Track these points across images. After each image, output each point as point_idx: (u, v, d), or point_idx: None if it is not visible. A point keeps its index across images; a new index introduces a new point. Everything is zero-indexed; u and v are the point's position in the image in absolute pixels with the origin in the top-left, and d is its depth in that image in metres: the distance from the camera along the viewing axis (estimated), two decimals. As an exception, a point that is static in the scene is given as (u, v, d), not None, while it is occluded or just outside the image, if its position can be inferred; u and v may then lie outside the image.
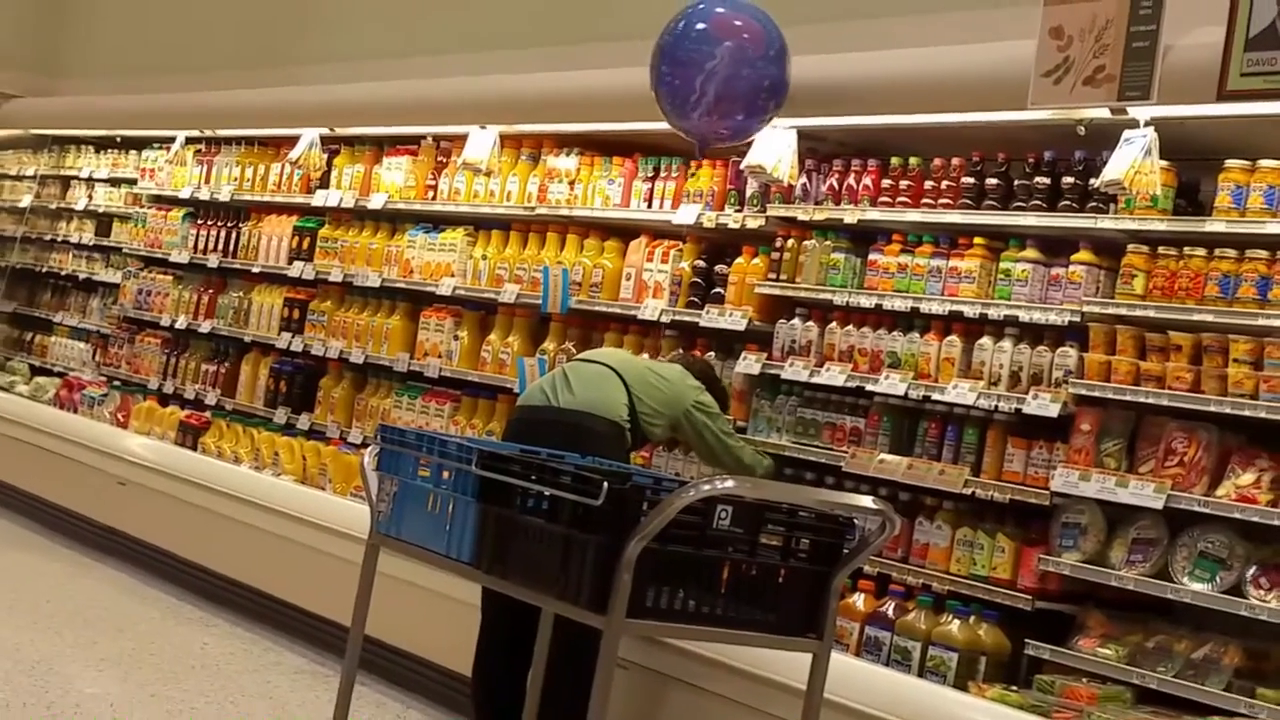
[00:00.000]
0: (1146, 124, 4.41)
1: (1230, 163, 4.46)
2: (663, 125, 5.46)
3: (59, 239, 10.43)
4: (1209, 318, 4.40)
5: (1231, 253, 4.41)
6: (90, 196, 10.21)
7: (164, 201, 9.26)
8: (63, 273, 10.36)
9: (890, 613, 4.83)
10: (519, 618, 4.78)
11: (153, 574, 7.62)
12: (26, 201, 10.80)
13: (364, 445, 6.77)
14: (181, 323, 8.65)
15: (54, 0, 11.39)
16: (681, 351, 5.71)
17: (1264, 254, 4.35)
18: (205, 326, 8.46)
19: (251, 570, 7.02)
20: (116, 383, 9.07)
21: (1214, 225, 4.44)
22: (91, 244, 10.06)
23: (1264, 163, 4.39)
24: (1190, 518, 4.41)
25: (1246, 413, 4.31)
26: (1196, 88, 4.20)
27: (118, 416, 8.75)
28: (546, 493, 3.76)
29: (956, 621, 4.68)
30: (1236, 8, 4.08)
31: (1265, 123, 4.26)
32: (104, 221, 10.02)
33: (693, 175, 5.96)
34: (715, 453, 5.20)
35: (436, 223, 7.18)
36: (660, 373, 5.22)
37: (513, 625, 4.91)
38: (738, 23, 5.00)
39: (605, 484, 3.53)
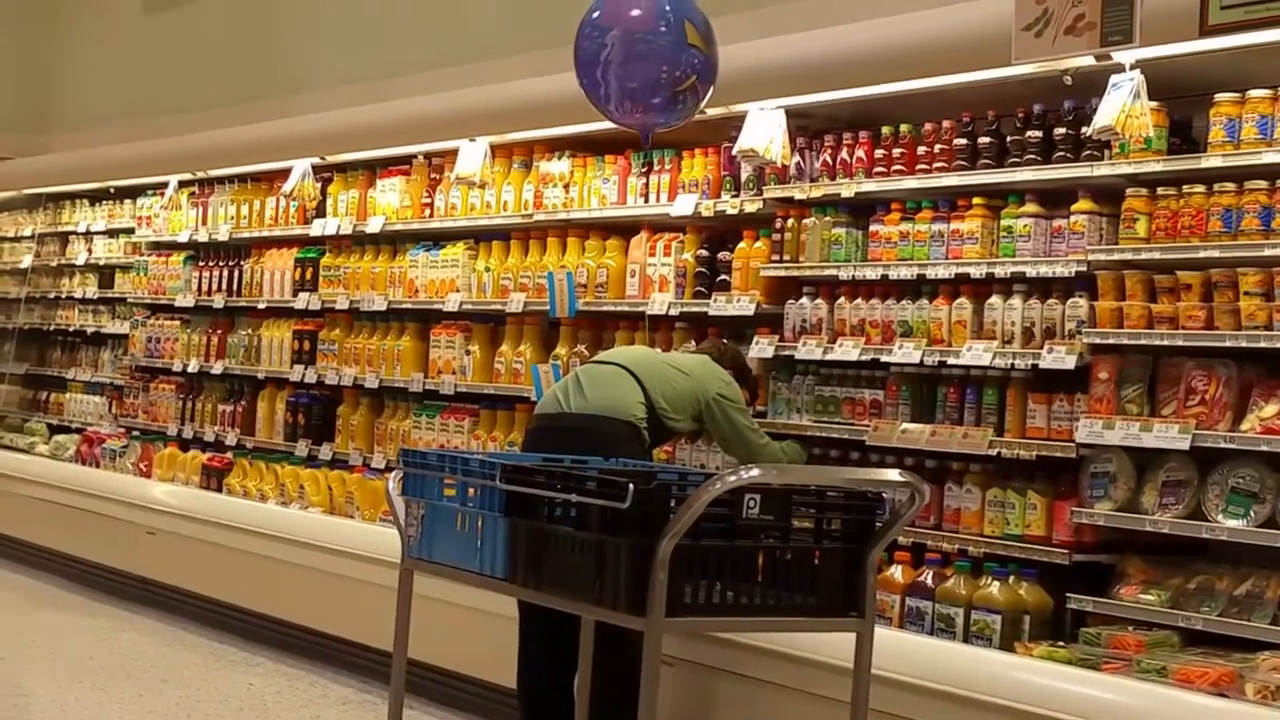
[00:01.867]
0: (1132, 67, 4.39)
1: (1220, 96, 4.44)
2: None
3: (63, 295, 10.46)
4: (1215, 253, 4.39)
5: (1231, 186, 4.39)
6: (90, 250, 10.24)
7: (163, 247, 9.27)
8: (70, 329, 10.38)
9: (929, 581, 4.83)
10: (557, 625, 4.79)
11: (191, 620, 7.65)
12: (27, 262, 10.83)
13: (387, 470, 6.78)
14: (193, 366, 8.66)
15: (38, 59, 11.43)
16: (711, 340, 5.66)
17: (1263, 184, 4.33)
18: (217, 367, 8.47)
19: (288, 606, 7.04)
20: (135, 433, 9.10)
21: (1210, 160, 4.42)
22: (96, 297, 10.08)
23: (1254, 93, 4.37)
24: (1218, 455, 4.39)
25: (1263, 344, 4.29)
26: (1178, 26, 4.18)
27: (140, 466, 8.77)
28: (573, 500, 3.76)
29: (996, 583, 4.67)
30: (1211, -59, 4.06)
31: (1251, 53, 4.25)
32: (106, 273, 10.05)
33: (682, 166, 5.94)
34: (734, 448, 5.19)
35: (436, 240, 7.18)
36: (680, 366, 5.20)
37: (552, 632, 4.91)
38: (627, 5, 4.67)
39: (631, 486, 3.53)
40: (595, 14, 4.66)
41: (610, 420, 4.95)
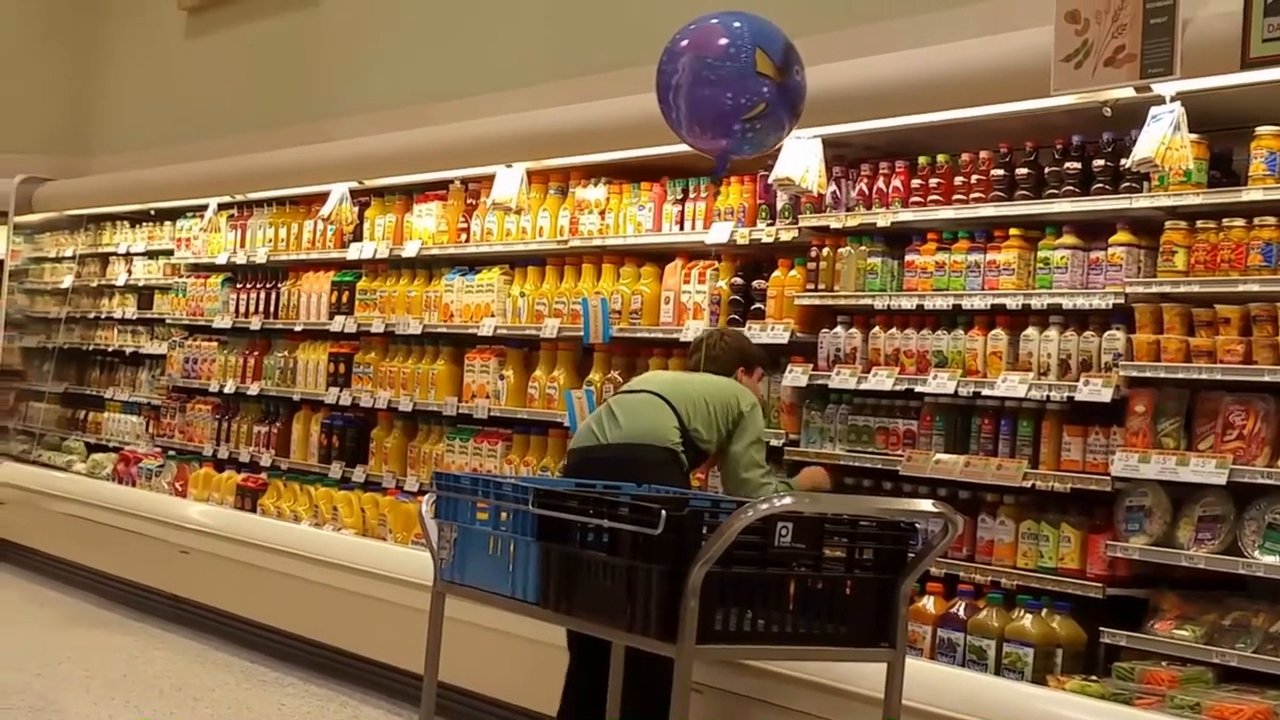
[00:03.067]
0: (1172, 99, 4.38)
1: (1261, 130, 4.42)
2: (686, 147, 5.47)
3: (102, 316, 10.54)
4: (1255, 287, 4.36)
5: (1271, 220, 4.37)
6: (129, 271, 10.32)
7: (202, 269, 9.35)
8: (109, 349, 10.46)
9: (961, 613, 4.80)
10: (600, 652, 4.77)
11: (223, 639, 7.67)
12: (68, 282, 10.93)
13: (420, 493, 6.79)
14: (230, 387, 8.71)
15: (79, 81, 11.55)
16: (706, 328, 5.59)
17: (1304, 218, 4.31)
18: (254, 389, 8.52)
19: (321, 627, 7.05)
20: (171, 452, 9.15)
21: (1251, 194, 4.40)
22: (135, 318, 10.16)
23: (1295, 127, 4.35)
24: (1255, 490, 4.36)
25: (1302, 380, 4.26)
26: (1219, 58, 4.17)
27: (175, 486, 8.82)
28: (605, 526, 3.76)
29: (1029, 616, 4.64)
30: (1252, -25, 4.05)
31: (1293, 86, 4.23)
32: (145, 294, 10.13)
33: (718, 194, 5.95)
34: (735, 475, 5.05)
35: (472, 265, 7.21)
36: (709, 386, 5.14)
37: (596, 661, 4.90)
38: (701, 30, 4.67)
39: (663, 512, 3.53)
40: (677, 39, 4.68)
41: (648, 448, 4.94)
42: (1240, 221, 4.43)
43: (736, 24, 4.60)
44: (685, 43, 4.62)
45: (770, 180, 5.47)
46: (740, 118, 4.58)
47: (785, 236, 5.65)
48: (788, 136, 4.86)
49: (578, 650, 5.01)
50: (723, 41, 4.58)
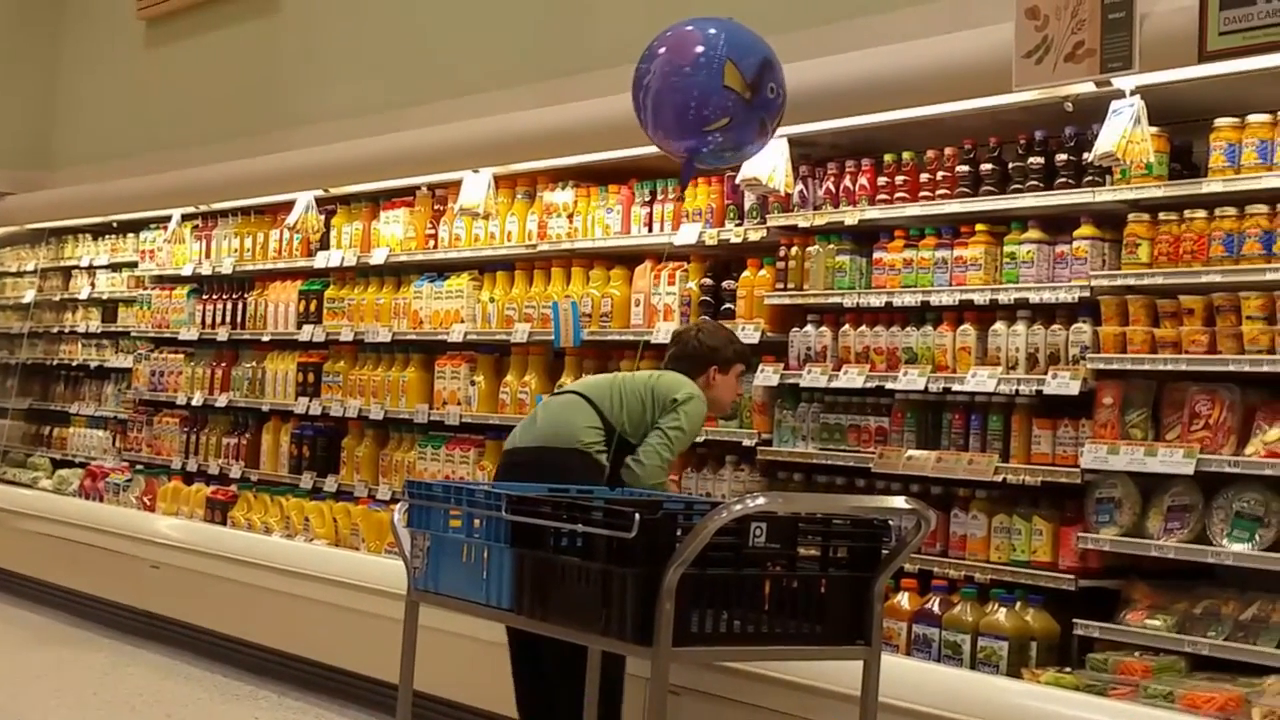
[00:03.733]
0: (1132, 93, 4.41)
1: (1220, 121, 4.46)
2: (655, 149, 5.47)
3: (66, 330, 10.47)
4: (1217, 278, 4.40)
5: (1231, 211, 4.40)
6: (93, 284, 10.26)
7: (167, 281, 9.30)
8: (74, 363, 10.40)
9: (936, 608, 4.82)
10: (530, 642, 4.81)
11: (195, 654, 7.63)
12: (30, 296, 10.86)
13: (393, 501, 6.78)
14: (197, 399, 8.67)
15: (39, 93, 11.47)
16: (689, 321, 5.55)
17: (1264, 208, 4.34)
18: (222, 400, 8.48)
19: (293, 639, 7.02)
20: (139, 466, 9.10)
21: (1211, 185, 4.43)
22: (99, 331, 10.10)
23: (1253, 118, 4.39)
24: (1222, 479, 4.40)
25: (1266, 368, 4.30)
26: (1177, 52, 4.20)
27: (144, 500, 8.77)
28: (579, 530, 3.76)
29: (1003, 610, 4.67)
30: (1209, -32, 4.08)
31: (1249, 78, 4.27)
32: (109, 308, 10.07)
33: (680, 197, 5.96)
34: (641, 453, 4.98)
35: (440, 271, 7.20)
36: (650, 384, 5.06)
37: (529, 650, 4.94)
38: (679, 34, 4.64)
39: (637, 515, 3.53)
40: (657, 41, 4.66)
41: (554, 450, 4.94)
42: (1202, 213, 4.47)
43: (713, 32, 4.58)
44: (662, 46, 4.62)
45: (738, 181, 5.48)
46: (702, 128, 4.56)
47: (754, 236, 5.66)
48: (755, 152, 4.82)
49: (515, 644, 5.04)
50: (696, 49, 4.56)
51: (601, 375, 5.51)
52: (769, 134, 4.68)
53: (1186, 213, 4.50)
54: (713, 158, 4.66)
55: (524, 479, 4.61)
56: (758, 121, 4.56)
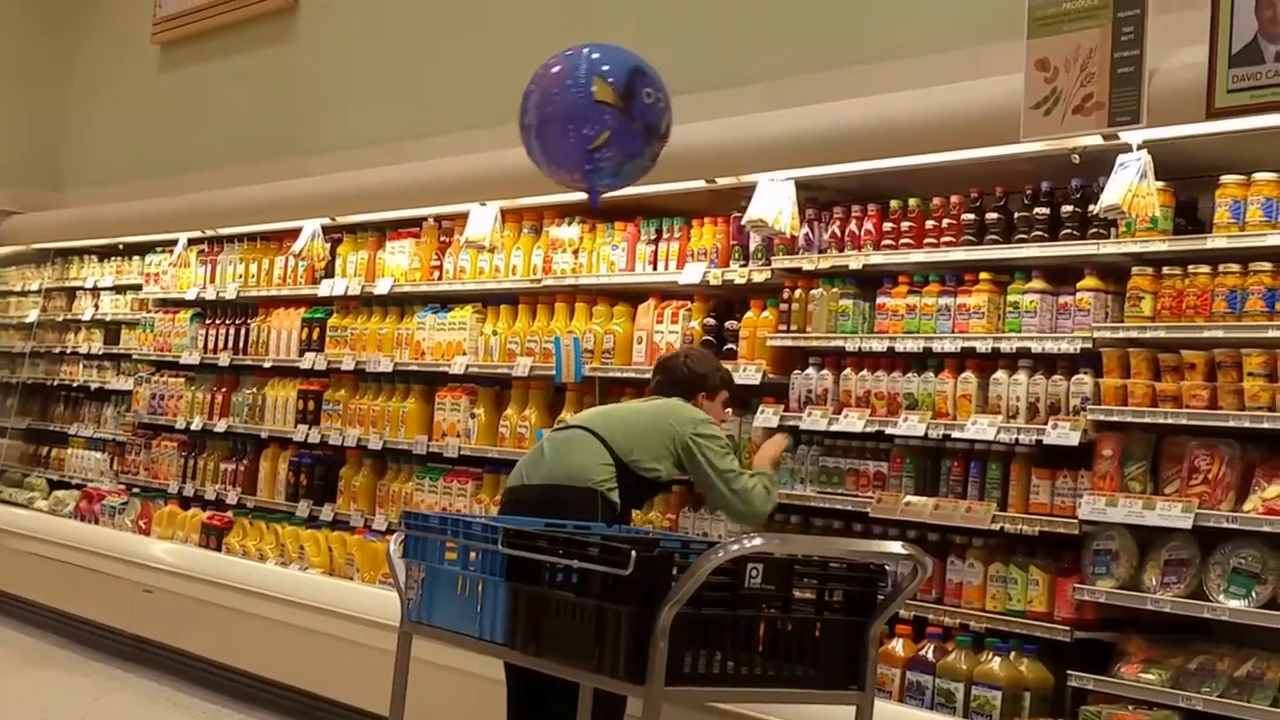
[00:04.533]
0: (1139, 147, 4.43)
1: (1226, 178, 4.47)
2: (662, 187, 5.50)
3: (68, 351, 10.47)
4: (1219, 333, 4.40)
5: (1235, 267, 4.42)
6: (96, 306, 10.27)
7: (170, 304, 9.31)
8: (74, 384, 10.39)
9: (930, 655, 4.81)
10: (532, 679, 4.78)
11: (186, 680, 7.59)
12: (33, 316, 10.86)
13: (389, 532, 6.76)
14: (197, 424, 8.66)
15: (50, 114, 11.52)
16: (670, 357, 5.47)
17: (1268, 266, 4.35)
18: (221, 426, 8.48)
19: (285, 668, 6.99)
20: (136, 490, 9.09)
21: (1215, 241, 4.45)
22: (101, 353, 10.10)
23: (1259, 176, 4.41)
24: (1220, 535, 4.39)
25: (1266, 425, 4.30)
26: (1185, 108, 4.23)
27: (139, 524, 8.75)
28: (575, 566, 3.75)
29: (997, 659, 4.65)
30: (1218, 26, 4.11)
31: (1256, 136, 4.28)
32: (112, 330, 10.07)
33: (679, 235, 5.98)
34: (711, 491, 5.05)
35: (444, 303, 7.21)
36: (648, 412, 5.11)
37: (530, 687, 4.92)
38: (545, 67, 4.59)
39: (633, 552, 3.52)
40: (530, 81, 4.60)
41: (568, 489, 4.91)
42: (1206, 268, 4.48)
43: (576, 54, 4.54)
44: (534, 84, 4.57)
45: (743, 222, 5.50)
46: (586, 148, 4.52)
47: (758, 277, 5.67)
48: (650, 162, 4.71)
49: (513, 681, 5.01)
50: (561, 75, 4.51)
51: (603, 408, 5.50)
52: (660, 139, 4.58)
53: (1190, 268, 4.51)
54: (610, 177, 4.57)
55: (532, 516, 4.57)
56: (641, 130, 4.48)
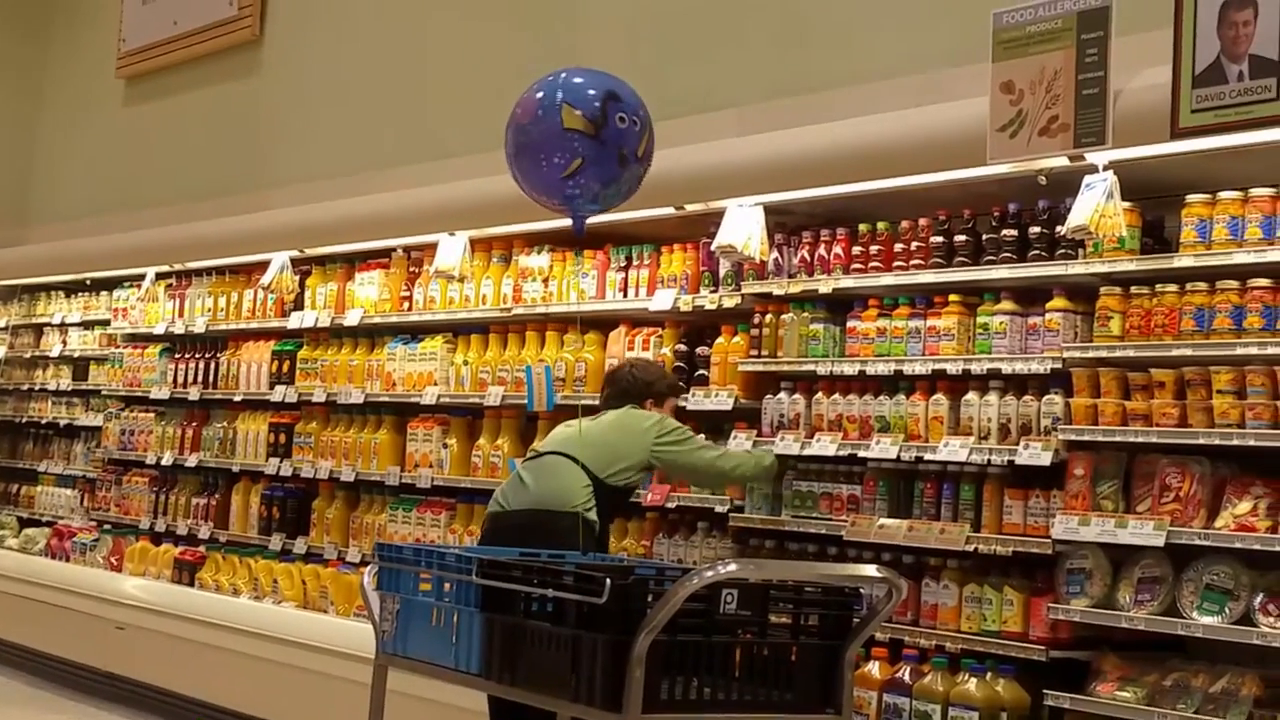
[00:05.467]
0: (1105, 168, 4.46)
1: (1191, 197, 4.51)
2: (631, 214, 5.51)
3: (36, 387, 10.41)
4: (1188, 352, 4.43)
5: (1202, 286, 4.45)
6: (64, 342, 10.22)
7: (139, 339, 9.26)
8: (43, 421, 10.33)
9: (906, 678, 4.80)
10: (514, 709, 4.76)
11: (160, 717, 7.53)
12: (0, 353, 10.79)
13: (363, 564, 6.73)
14: (167, 459, 8.61)
15: (16, 150, 11.47)
16: (616, 371, 5.61)
17: (1234, 284, 4.39)
18: (192, 460, 8.43)
19: (260, 702, 6.95)
20: (107, 526, 9.03)
21: (1182, 260, 4.48)
22: (70, 389, 10.04)
23: (1224, 194, 4.44)
24: (1192, 552, 4.41)
25: (1235, 442, 4.33)
26: (1150, 128, 4.26)
27: (111, 560, 8.69)
28: (550, 595, 3.74)
29: (973, 680, 4.65)
30: (1181, 47, 4.15)
31: (1221, 155, 4.32)
32: (80, 365, 10.02)
33: (649, 261, 5.99)
34: (700, 478, 5.31)
35: (415, 333, 7.20)
36: (611, 427, 5.25)
37: (511, 717, 4.90)
38: (523, 97, 4.64)
39: (608, 581, 3.51)
40: (512, 111, 4.64)
41: (548, 513, 5.01)
42: (1173, 287, 4.51)
43: (549, 81, 4.56)
44: (513, 112, 4.61)
45: (713, 248, 5.51)
46: (560, 176, 4.53)
47: (728, 303, 5.68)
48: (635, 180, 4.69)
49: (495, 712, 5.00)
50: (533, 104, 4.52)
51: (566, 432, 5.47)
52: (637, 162, 4.56)
53: (1158, 287, 4.54)
54: (590, 203, 4.58)
55: (519, 541, 4.60)
56: (615, 154, 4.47)
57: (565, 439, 5.29)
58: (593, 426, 5.28)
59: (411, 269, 7.29)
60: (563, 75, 4.59)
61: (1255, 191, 4.39)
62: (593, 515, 5.06)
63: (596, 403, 5.57)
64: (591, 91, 4.50)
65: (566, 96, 4.48)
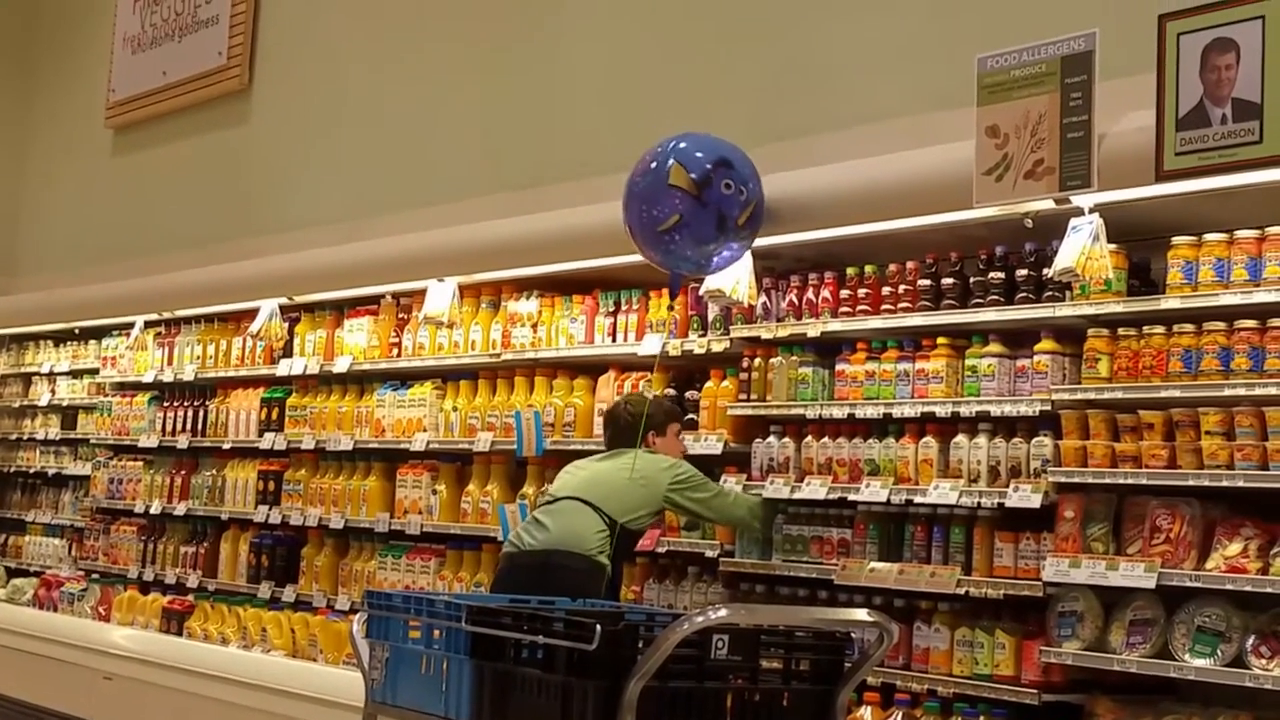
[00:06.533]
0: (1091, 210, 4.48)
1: (1177, 240, 4.53)
2: (620, 259, 5.52)
3: (25, 437, 10.38)
4: (1176, 393, 4.44)
5: (1190, 327, 4.46)
6: (53, 391, 10.19)
7: (128, 388, 9.24)
8: (31, 470, 10.29)
9: (899, 723, 4.78)
10: None
11: (149, 766, 7.48)
12: (-11, 403, 10.78)
13: (352, 612, 6.70)
14: (156, 508, 8.58)
15: (5, 200, 11.48)
16: (620, 398, 5.71)
17: (1221, 325, 4.40)
18: (180, 509, 8.40)
19: (249, 751, 6.89)
20: (95, 575, 8.98)
21: (1169, 302, 4.49)
22: (58, 438, 10.01)
23: (1209, 236, 4.46)
24: (1184, 594, 4.40)
25: (1224, 483, 4.33)
26: (1135, 171, 4.28)
27: (99, 610, 8.64)
28: (540, 642, 3.72)
29: (966, 724, 4.63)
30: (1164, 90, 4.18)
31: (1205, 198, 4.34)
32: (69, 414, 9.99)
33: (638, 306, 6.03)
34: (710, 518, 5.40)
35: (404, 379, 7.19)
36: (624, 472, 5.30)
37: None
38: (651, 148, 4.93)
39: (598, 627, 3.50)
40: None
41: (569, 554, 5.10)
42: (1160, 329, 4.52)
43: (669, 140, 4.69)
44: (634, 165, 4.78)
45: (701, 292, 5.52)
46: (656, 229, 4.62)
47: (717, 347, 5.69)
48: (728, 250, 4.85)
49: None
50: (648, 156, 4.66)
51: (579, 476, 5.48)
52: (736, 230, 4.70)
53: (1145, 329, 4.55)
54: (684, 262, 4.73)
55: (534, 578, 4.77)
56: (714, 217, 4.60)
57: (580, 485, 5.38)
58: (609, 471, 5.35)
59: (400, 315, 7.29)
60: (685, 136, 4.78)
61: (1240, 233, 4.41)
62: (604, 559, 5.16)
63: (602, 445, 5.66)
64: (701, 154, 4.69)
65: (678, 155, 4.64)
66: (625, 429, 5.44)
